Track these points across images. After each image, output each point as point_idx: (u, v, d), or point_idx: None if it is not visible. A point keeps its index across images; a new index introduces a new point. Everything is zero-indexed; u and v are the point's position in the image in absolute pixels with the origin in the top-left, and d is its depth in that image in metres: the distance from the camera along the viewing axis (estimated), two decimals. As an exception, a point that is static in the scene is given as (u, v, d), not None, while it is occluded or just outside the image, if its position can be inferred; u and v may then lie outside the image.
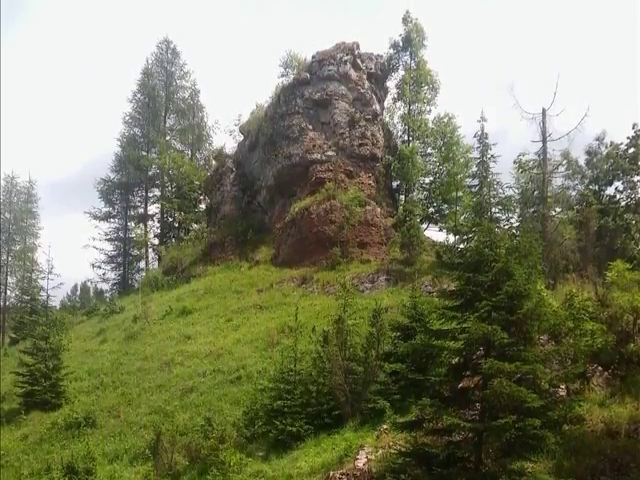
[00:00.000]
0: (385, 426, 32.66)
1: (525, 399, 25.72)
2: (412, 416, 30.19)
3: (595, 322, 33.09)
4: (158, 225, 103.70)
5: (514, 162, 56.23)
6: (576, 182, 58.99)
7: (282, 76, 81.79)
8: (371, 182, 72.55)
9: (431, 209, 74.05)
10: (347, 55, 75.67)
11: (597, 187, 58.91)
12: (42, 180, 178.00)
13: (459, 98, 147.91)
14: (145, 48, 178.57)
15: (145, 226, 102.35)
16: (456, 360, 29.99)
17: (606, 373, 33.51)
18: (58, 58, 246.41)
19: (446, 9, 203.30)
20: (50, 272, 62.57)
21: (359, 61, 76.18)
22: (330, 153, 72.04)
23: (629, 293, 34.47)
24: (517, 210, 55.61)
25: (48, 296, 61.32)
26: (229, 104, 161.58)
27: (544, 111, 52.27)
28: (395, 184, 77.28)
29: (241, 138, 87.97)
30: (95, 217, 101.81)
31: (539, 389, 28.12)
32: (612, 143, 58.67)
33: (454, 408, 28.64)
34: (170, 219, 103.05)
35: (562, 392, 31.44)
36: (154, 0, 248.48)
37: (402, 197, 76.75)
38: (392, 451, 29.56)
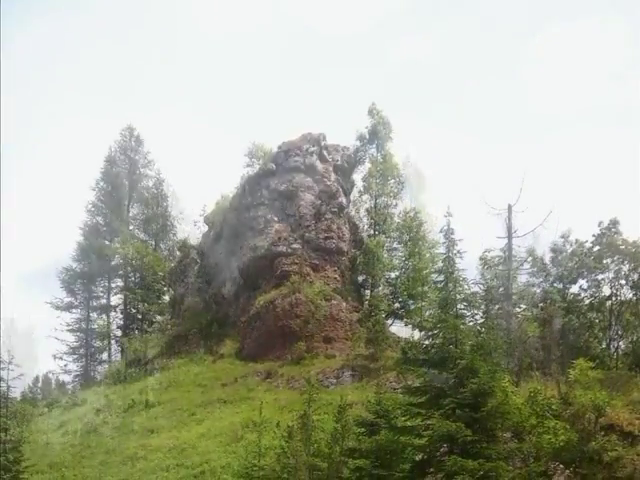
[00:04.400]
0: (348, 523, 32.43)
1: (488, 497, 25.76)
2: (376, 513, 30.06)
3: (558, 420, 33.29)
4: (121, 316, 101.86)
5: (480, 258, 56.63)
6: (541, 279, 59.39)
7: (247, 166, 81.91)
8: (337, 276, 72.59)
9: (397, 304, 73.57)
10: (313, 146, 76.14)
11: (562, 285, 59.33)
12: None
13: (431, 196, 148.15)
14: (110, 136, 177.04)
15: (108, 317, 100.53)
16: (420, 457, 30.02)
17: (567, 471, 33.56)
18: (24, 148, 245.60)
19: (415, 105, 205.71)
20: (10, 363, 61.83)
21: (325, 153, 76.58)
22: (296, 246, 72.13)
23: (591, 391, 34.75)
24: (482, 307, 55.75)
25: (8, 387, 60.35)
26: (193, 194, 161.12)
27: (510, 207, 52.47)
28: (361, 278, 77.05)
29: (206, 229, 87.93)
30: (57, 307, 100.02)
31: (502, 487, 28.14)
32: (577, 241, 59.20)
33: (418, 505, 28.60)
34: (133, 310, 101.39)
35: (524, 490, 31.41)
36: (118, 89, 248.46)
37: (368, 292, 76.49)
38: None
